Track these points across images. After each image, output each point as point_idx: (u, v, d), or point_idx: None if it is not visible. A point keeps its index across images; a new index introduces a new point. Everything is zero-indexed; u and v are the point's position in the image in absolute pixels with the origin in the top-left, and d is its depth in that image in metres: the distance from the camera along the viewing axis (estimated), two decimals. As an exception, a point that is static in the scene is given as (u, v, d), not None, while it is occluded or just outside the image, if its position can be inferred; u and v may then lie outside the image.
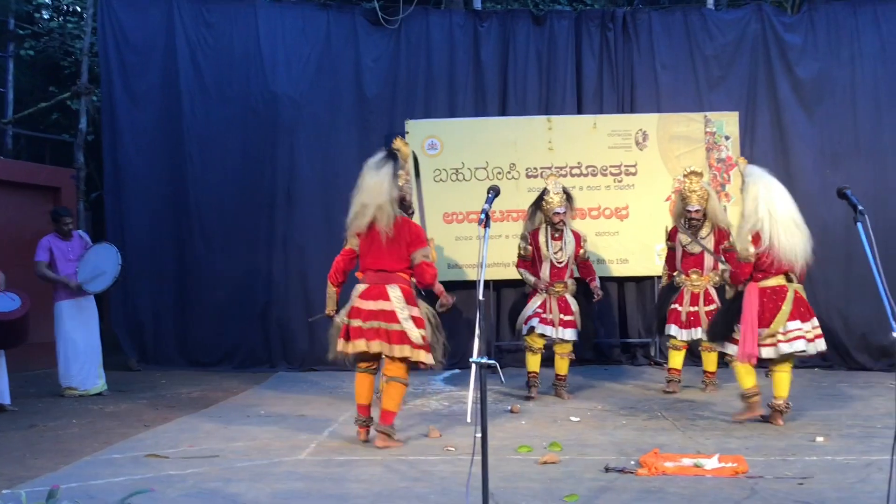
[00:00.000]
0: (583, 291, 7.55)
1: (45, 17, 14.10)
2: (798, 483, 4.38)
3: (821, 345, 6.00)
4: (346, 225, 5.55)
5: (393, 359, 5.39)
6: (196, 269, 9.66)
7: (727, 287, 7.05)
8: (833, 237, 9.07)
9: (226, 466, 4.93)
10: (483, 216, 3.94)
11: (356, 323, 5.36)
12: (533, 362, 7.39)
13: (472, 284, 8.95)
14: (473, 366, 3.54)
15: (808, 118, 9.56)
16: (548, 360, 7.58)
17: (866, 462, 4.80)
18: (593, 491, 4.29)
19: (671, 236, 7.76)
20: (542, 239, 7.41)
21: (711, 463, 4.70)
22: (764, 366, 6.15)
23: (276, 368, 9.45)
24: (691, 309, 7.43)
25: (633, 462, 4.84)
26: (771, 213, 5.77)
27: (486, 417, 3.44)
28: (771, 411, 6.03)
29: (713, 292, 7.44)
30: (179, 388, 8.30)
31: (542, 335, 7.29)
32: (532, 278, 7.44)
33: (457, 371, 8.87)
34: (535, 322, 7.24)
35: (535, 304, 7.35)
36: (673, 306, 7.52)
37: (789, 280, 5.95)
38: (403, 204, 5.58)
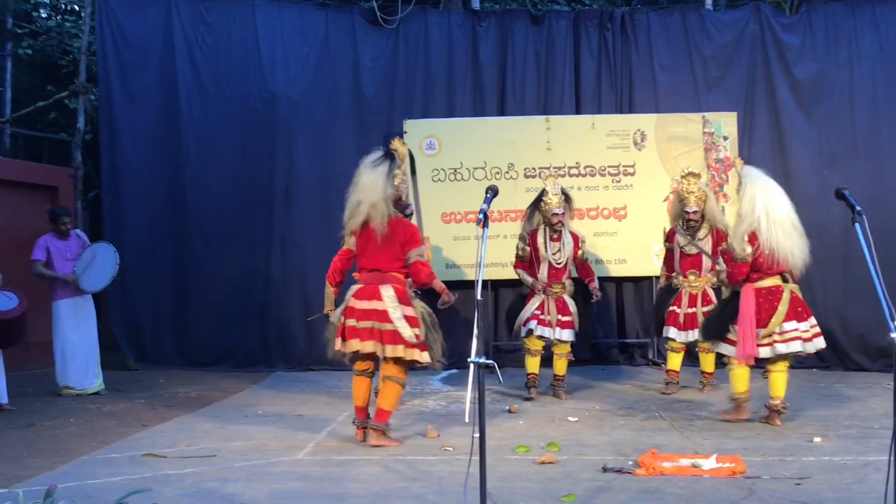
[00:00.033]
0: (581, 292, 7.55)
1: (44, 15, 14.09)
2: (796, 483, 4.39)
3: (820, 343, 6.02)
4: (343, 224, 5.56)
5: (387, 359, 5.39)
6: (194, 269, 9.65)
7: (723, 288, 7.10)
8: (831, 238, 9.09)
9: (223, 466, 4.93)
10: (481, 216, 3.94)
11: (351, 322, 5.37)
12: (532, 364, 7.39)
13: (470, 284, 8.95)
14: (471, 366, 3.54)
15: (807, 119, 9.57)
16: (546, 360, 7.58)
17: (864, 462, 4.81)
18: (591, 491, 4.29)
19: (669, 238, 7.77)
20: (540, 240, 7.41)
21: (709, 463, 4.70)
22: (760, 366, 6.16)
23: (275, 368, 9.45)
24: (689, 310, 7.43)
25: (630, 462, 4.84)
26: (768, 213, 5.78)
27: (484, 417, 3.45)
28: (768, 412, 6.04)
29: (711, 293, 7.45)
30: (177, 387, 8.29)
31: (541, 337, 7.29)
32: (530, 279, 7.44)
33: (455, 371, 8.87)
34: (533, 325, 7.25)
35: (533, 305, 7.35)
36: (671, 308, 7.52)
37: (785, 280, 5.96)
38: (399, 204, 5.57)
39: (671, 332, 7.47)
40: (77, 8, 13.77)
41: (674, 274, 7.64)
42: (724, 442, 5.46)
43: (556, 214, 7.32)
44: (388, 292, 5.33)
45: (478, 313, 3.63)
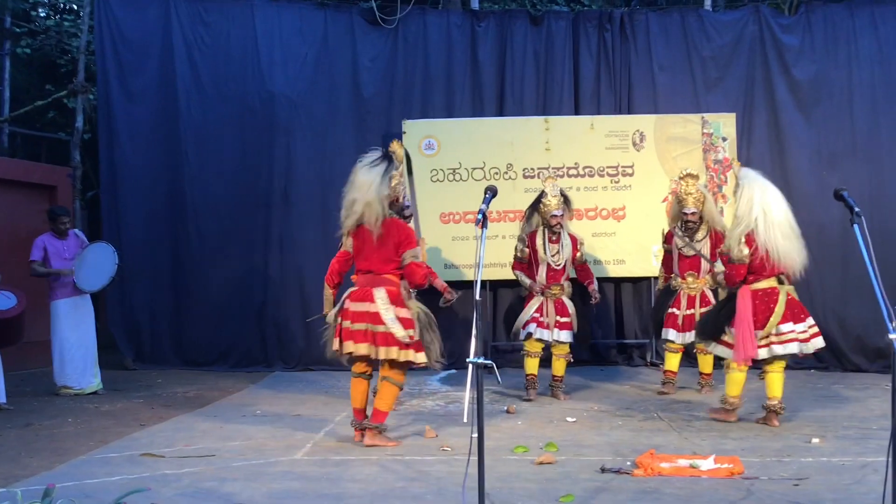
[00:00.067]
0: (579, 293, 7.56)
1: (42, 15, 14.09)
2: (794, 484, 4.39)
3: (818, 343, 6.04)
4: (340, 224, 5.57)
5: (383, 360, 5.40)
6: (192, 269, 9.65)
7: (719, 290, 7.12)
8: (829, 239, 9.10)
9: (221, 466, 4.93)
10: (480, 216, 3.94)
11: (346, 324, 5.39)
12: (531, 365, 7.39)
13: (468, 284, 8.95)
14: (470, 366, 3.54)
15: (805, 119, 9.58)
16: (545, 360, 7.59)
17: (862, 463, 4.81)
18: (589, 491, 4.29)
19: (668, 239, 7.77)
20: (539, 241, 7.42)
21: (707, 464, 4.70)
22: (757, 367, 6.17)
23: (273, 368, 9.45)
24: (688, 312, 7.44)
25: (629, 463, 4.85)
26: (766, 215, 5.79)
27: (482, 418, 3.45)
28: (766, 412, 6.05)
29: (710, 295, 7.45)
30: (175, 387, 8.29)
31: (540, 340, 7.30)
32: (528, 281, 7.45)
33: (453, 371, 8.87)
34: (532, 328, 7.26)
35: (532, 307, 7.36)
36: (670, 310, 7.53)
37: (780, 282, 5.98)
38: (396, 205, 5.56)
39: (670, 333, 7.48)
40: (76, 7, 13.77)
41: (672, 275, 7.64)
42: (723, 443, 5.46)
43: (555, 216, 7.32)
44: (380, 294, 5.33)
45: (476, 314, 3.63)
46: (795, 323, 5.95)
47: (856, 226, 3.63)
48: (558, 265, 7.38)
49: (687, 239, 7.51)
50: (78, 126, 10.60)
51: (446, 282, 6.37)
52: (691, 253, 7.49)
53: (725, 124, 9.43)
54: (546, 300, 7.35)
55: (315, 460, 5.10)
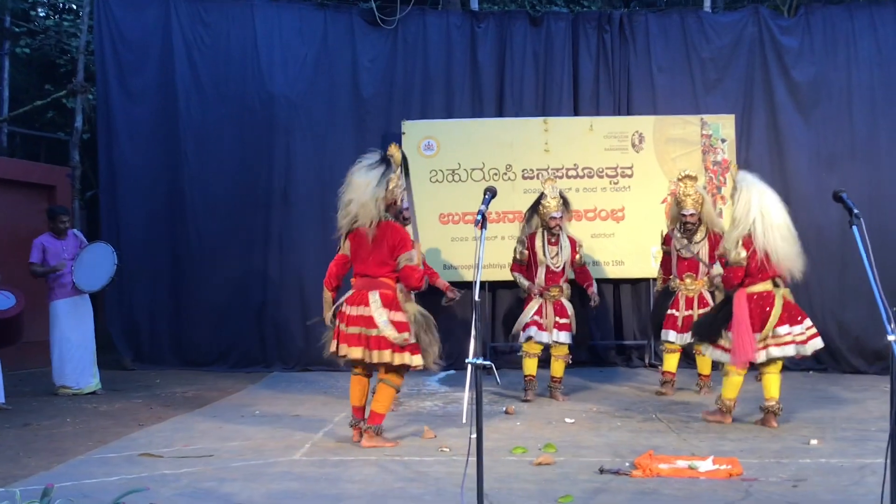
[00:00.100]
0: (578, 295, 7.56)
1: (42, 14, 14.10)
2: (792, 485, 4.40)
3: (817, 343, 6.06)
4: (338, 225, 5.58)
5: (375, 363, 5.41)
6: (192, 269, 9.65)
7: (714, 293, 7.14)
8: (828, 240, 9.12)
9: (220, 466, 4.93)
10: (479, 217, 3.94)
11: (342, 327, 5.41)
12: (530, 366, 7.40)
13: (468, 285, 8.94)
14: (469, 367, 3.54)
15: (804, 121, 9.58)
16: (543, 361, 7.60)
17: (860, 465, 4.82)
18: (588, 492, 4.29)
19: (666, 241, 7.78)
20: (538, 243, 7.42)
21: (706, 465, 4.70)
22: (754, 368, 6.18)
23: (272, 368, 9.45)
24: (686, 313, 7.45)
25: (627, 464, 4.85)
26: (764, 218, 5.82)
27: (481, 418, 3.45)
28: (764, 414, 6.06)
29: (707, 296, 7.46)
30: (174, 387, 8.29)
31: (539, 342, 7.30)
32: (526, 282, 7.45)
33: (452, 372, 8.87)
34: (531, 331, 7.26)
35: (531, 309, 7.36)
36: (669, 311, 7.54)
37: (776, 285, 6.00)
38: (394, 208, 5.56)
39: (670, 335, 7.49)
40: (75, 7, 13.76)
41: (671, 277, 7.65)
42: (721, 444, 5.47)
43: (554, 218, 7.33)
44: (374, 297, 5.35)
45: (476, 314, 3.63)
46: (792, 325, 5.97)
47: (855, 227, 3.64)
48: (557, 267, 7.39)
49: (685, 241, 7.51)
50: (77, 126, 10.60)
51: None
52: (688, 255, 7.51)
53: (724, 126, 9.43)
54: (545, 302, 7.36)
55: (314, 461, 5.10)
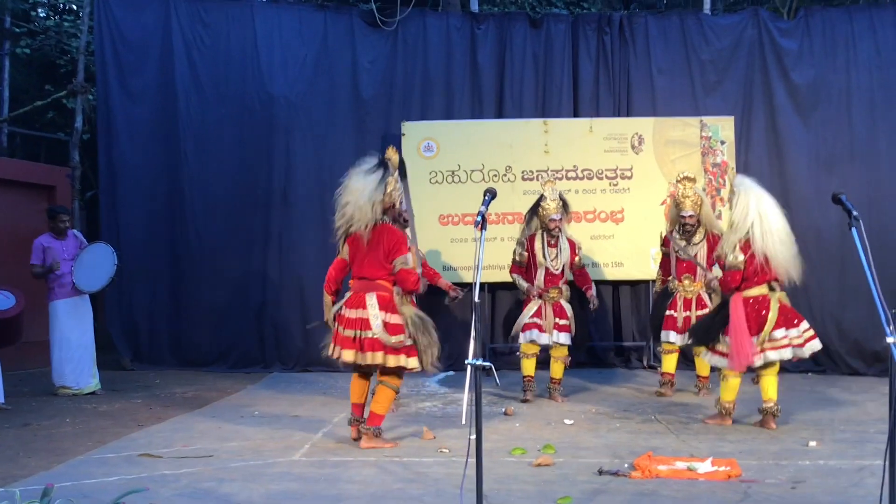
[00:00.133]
0: (577, 297, 7.57)
1: (42, 15, 14.11)
2: (791, 487, 4.40)
3: (815, 346, 6.09)
4: (335, 228, 5.60)
5: (368, 365, 5.42)
6: (191, 269, 9.65)
7: (712, 295, 7.14)
8: (827, 242, 9.14)
9: (220, 466, 4.93)
10: (479, 218, 3.95)
11: (339, 329, 5.44)
12: (528, 367, 7.41)
13: (467, 286, 8.94)
14: (469, 368, 3.55)
15: (804, 123, 9.59)
16: (543, 362, 7.61)
17: (859, 466, 4.82)
18: (587, 493, 4.30)
19: (665, 243, 7.79)
20: (538, 245, 7.43)
21: (705, 466, 4.71)
22: (751, 371, 6.19)
23: (271, 369, 9.45)
24: (685, 314, 7.46)
25: (626, 465, 4.85)
26: (762, 222, 5.85)
27: (480, 419, 3.45)
28: (762, 415, 6.07)
29: (706, 297, 7.47)
30: (173, 387, 8.29)
31: (535, 342, 7.31)
32: (525, 284, 7.46)
33: (451, 373, 8.87)
34: (532, 334, 7.28)
35: (530, 310, 7.37)
36: (668, 312, 7.55)
37: (772, 289, 6.02)
38: (392, 211, 5.57)
39: (671, 335, 7.50)
40: (75, 7, 13.77)
41: (669, 278, 7.66)
42: (720, 445, 5.47)
43: (554, 220, 7.34)
44: (371, 300, 5.37)
45: (475, 315, 3.63)
46: (788, 328, 6.00)
47: (854, 229, 3.64)
48: (556, 269, 7.40)
49: (683, 243, 7.53)
50: (77, 126, 10.61)
51: (445, 283, 6.38)
52: (686, 256, 7.52)
53: (724, 128, 9.44)
54: (544, 303, 7.37)
55: (313, 461, 5.11)
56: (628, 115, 9.78)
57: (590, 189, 9.41)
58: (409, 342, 5.37)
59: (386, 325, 5.31)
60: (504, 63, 9.93)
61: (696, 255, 7.46)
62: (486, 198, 4.19)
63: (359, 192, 5.35)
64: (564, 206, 7.45)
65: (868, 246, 3.52)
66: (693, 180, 7.52)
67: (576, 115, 9.84)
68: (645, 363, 9.62)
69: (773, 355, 5.95)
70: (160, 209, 9.73)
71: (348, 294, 5.50)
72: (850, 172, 9.37)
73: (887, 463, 3.29)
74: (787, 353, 5.98)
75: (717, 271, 7.15)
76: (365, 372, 5.59)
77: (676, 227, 7.61)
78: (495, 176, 9.42)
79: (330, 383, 8.39)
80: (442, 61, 9.91)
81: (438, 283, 7.36)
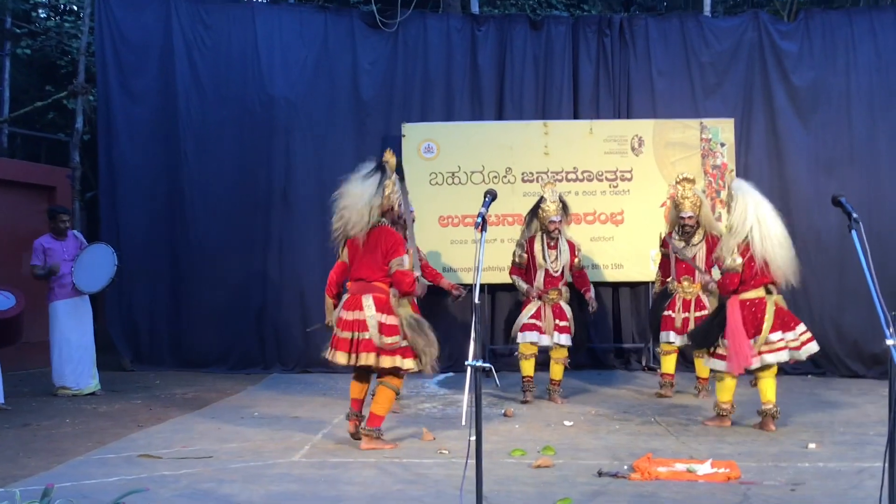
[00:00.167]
0: (576, 298, 7.58)
1: (43, 16, 14.12)
2: (790, 489, 4.40)
3: (812, 348, 6.13)
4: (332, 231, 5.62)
5: (362, 366, 5.44)
6: (191, 270, 9.65)
7: (708, 297, 7.14)
8: (827, 244, 9.16)
9: (219, 467, 4.93)
10: (480, 220, 3.95)
11: (337, 331, 5.46)
12: (527, 367, 7.42)
13: (467, 288, 8.94)
14: (468, 369, 3.55)
15: (804, 126, 9.60)
16: (542, 364, 7.61)
17: (858, 469, 4.83)
18: (586, 495, 4.30)
19: (664, 244, 7.80)
20: (537, 247, 7.44)
21: (704, 468, 4.71)
22: (749, 373, 6.21)
23: (271, 370, 9.45)
24: (683, 315, 7.47)
25: (626, 467, 4.86)
26: (761, 226, 5.89)
27: (480, 421, 3.46)
28: (762, 417, 6.08)
29: (705, 299, 7.47)
30: (173, 388, 8.29)
31: (535, 343, 7.32)
32: (525, 286, 7.47)
33: (451, 374, 8.87)
34: (532, 336, 7.29)
35: (529, 311, 7.38)
36: (666, 313, 7.56)
37: (769, 292, 6.04)
38: (391, 214, 5.59)
39: (670, 336, 7.51)
40: (76, 8, 13.78)
41: (669, 279, 7.67)
42: (719, 447, 5.48)
43: (553, 222, 7.35)
44: (367, 302, 5.39)
45: (475, 317, 3.64)
46: (785, 331, 6.04)
47: (853, 232, 3.65)
48: (556, 271, 7.41)
49: (682, 244, 7.54)
50: (78, 127, 10.61)
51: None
52: (683, 258, 7.53)
53: (724, 130, 9.45)
54: (543, 305, 7.37)
55: (313, 462, 5.11)
56: (628, 117, 9.79)
57: (590, 191, 9.42)
58: (403, 343, 5.39)
59: (381, 326, 5.34)
60: (504, 65, 9.94)
61: (694, 256, 7.47)
62: (487, 199, 4.20)
63: (357, 197, 5.39)
64: (564, 207, 7.46)
65: (868, 248, 3.52)
66: (692, 181, 7.53)
67: (576, 116, 9.85)
68: (644, 363, 9.63)
69: (769, 358, 5.98)
70: (160, 210, 9.73)
71: (346, 296, 5.52)
72: (850, 175, 9.38)
73: (887, 465, 3.29)
74: (783, 356, 6.01)
75: (717, 274, 7.17)
76: (362, 374, 5.61)
77: (676, 229, 7.62)
78: (495, 177, 9.43)
79: (330, 384, 8.39)
80: (442, 63, 9.92)
81: (441, 283, 7.39)
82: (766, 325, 5.96)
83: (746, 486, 4.45)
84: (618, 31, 9.92)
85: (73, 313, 7.82)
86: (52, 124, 12.64)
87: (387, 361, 5.35)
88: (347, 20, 9.96)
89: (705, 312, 7.22)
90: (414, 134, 9.43)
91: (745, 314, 5.99)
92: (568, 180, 9.36)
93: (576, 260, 7.51)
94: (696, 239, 7.53)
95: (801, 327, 6.12)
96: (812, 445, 5.47)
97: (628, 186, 9.42)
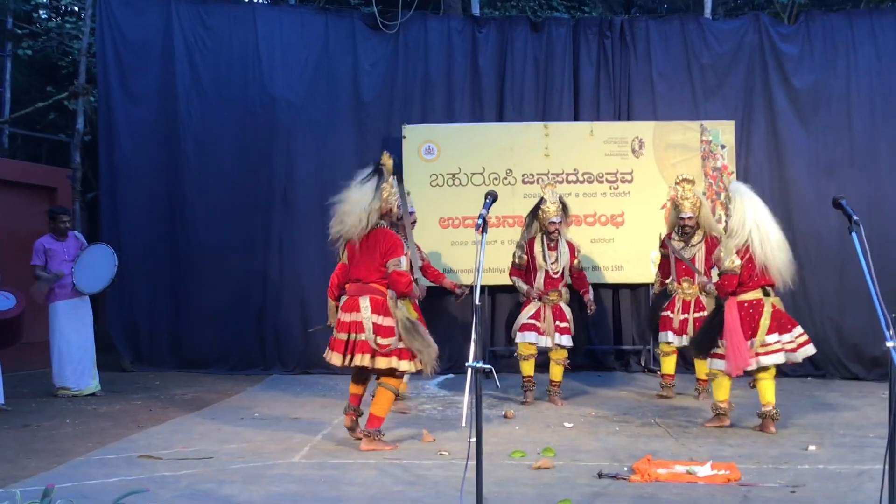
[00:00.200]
0: (577, 300, 7.58)
1: (44, 16, 14.11)
2: (790, 491, 4.40)
3: (808, 351, 6.15)
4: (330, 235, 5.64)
5: (358, 367, 5.46)
6: (191, 271, 9.65)
7: (705, 298, 7.15)
8: (827, 247, 9.16)
9: (219, 468, 4.94)
10: (480, 221, 3.96)
11: (335, 333, 5.49)
12: (527, 367, 7.43)
13: (468, 287, 8.95)
14: (469, 370, 3.56)
15: (804, 128, 9.60)
16: (542, 365, 7.61)
17: (858, 471, 4.83)
18: (586, 497, 4.30)
19: (663, 244, 7.81)
20: (537, 248, 7.45)
21: (704, 470, 4.72)
22: (748, 375, 6.21)
23: (271, 371, 9.45)
24: (682, 317, 7.47)
25: (626, 468, 4.86)
26: (760, 231, 5.92)
27: (480, 422, 3.46)
28: (762, 419, 6.08)
29: (704, 300, 7.48)
30: (173, 389, 8.29)
31: (534, 343, 7.32)
32: (525, 287, 7.48)
33: (451, 376, 8.87)
34: (527, 335, 7.30)
35: (529, 312, 7.39)
36: (665, 313, 7.56)
37: (766, 294, 6.06)
38: (390, 216, 5.62)
39: (668, 336, 7.51)
40: (77, 9, 13.79)
41: (669, 280, 7.68)
42: (719, 449, 5.48)
43: (553, 223, 7.36)
44: (364, 303, 5.41)
45: (476, 318, 3.64)
46: (781, 333, 6.06)
47: (854, 234, 3.66)
48: (556, 272, 7.42)
49: (681, 244, 7.54)
50: (78, 128, 10.61)
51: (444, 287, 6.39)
52: (681, 258, 7.53)
53: (724, 132, 9.45)
54: (543, 306, 7.38)
55: (313, 463, 5.11)
56: (629, 118, 9.80)
57: (590, 192, 9.42)
58: (400, 345, 5.40)
59: (377, 327, 5.36)
60: (505, 66, 9.94)
61: (693, 257, 7.47)
62: (487, 201, 4.20)
63: (355, 202, 5.42)
64: (564, 209, 7.47)
65: (868, 250, 3.53)
66: (692, 182, 7.55)
67: (576, 118, 9.85)
68: (643, 363, 9.63)
69: (765, 360, 6.00)
70: (161, 210, 9.73)
71: (344, 298, 5.54)
72: (851, 177, 9.38)
73: (887, 467, 3.30)
74: (779, 358, 6.03)
75: (704, 278, 7.21)
76: (360, 376, 5.62)
77: (675, 229, 7.62)
78: (496, 179, 9.43)
79: (330, 385, 8.39)
80: (443, 64, 9.93)
81: (443, 283, 7.43)
82: (763, 326, 5.98)
83: (746, 488, 4.45)
84: (618, 32, 9.93)
85: (73, 314, 7.82)
86: (52, 125, 12.64)
87: (382, 363, 5.37)
88: (348, 21, 9.97)
89: (705, 314, 7.23)
90: (414, 135, 9.43)
91: (744, 315, 6.02)
92: (568, 182, 9.36)
93: (575, 261, 7.52)
94: (695, 240, 7.53)
95: (798, 329, 6.14)
96: (812, 448, 5.47)
97: (629, 188, 9.43)
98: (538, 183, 9.15)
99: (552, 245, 7.44)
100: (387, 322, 5.39)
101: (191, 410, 7.07)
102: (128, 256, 9.02)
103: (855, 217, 3.73)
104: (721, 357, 6.14)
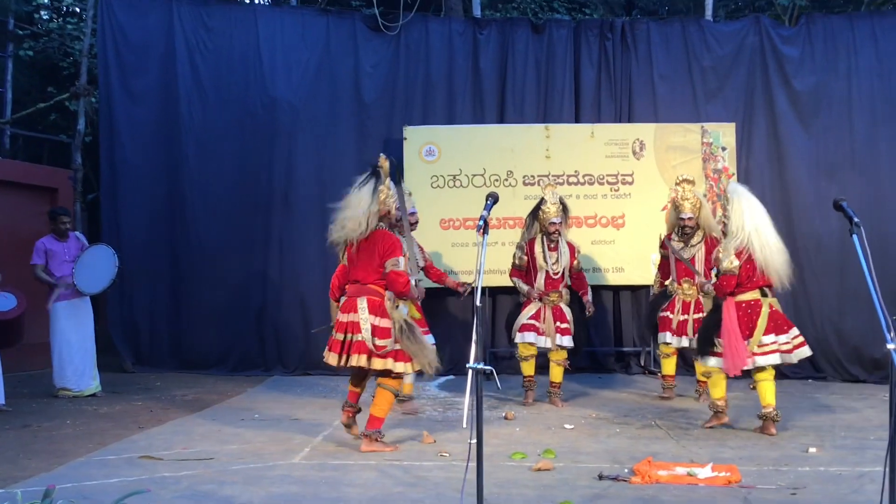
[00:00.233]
0: (576, 301, 7.58)
1: (45, 17, 14.12)
2: (791, 493, 4.40)
3: (803, 352, 6.18)
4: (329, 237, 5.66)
5: (354, 368, 5.47)
6: (192, 272, 9.65)
7: (703, 299, 7.14)
8: (828, 248, 9.16)
9: (220, 469, 4.94)
10: (481, 223, 3.96)
11: (333, 334, 5.51)
12: (527, 368, 7.44)
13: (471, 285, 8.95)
14: (469, 372, 3.56)
15: (805, 130, 9.61)
16: (542, 367, 7.61)
17: (859, 473, 4.83)
18: (587, 498, 4.30)
19: (663, 245, 7.81)
20: (538, 249, 7.45)
21: (704, 472, 4.72)
22: (745, 377, 6.21)
23: (271, 372, 9.45)
24: (682, 317, 7.47)
25: (626, 470, 4.86)
26: (759, 234, 5.95)
27: (481, 423, 3.46)
28: (762, 421, 6.08)
29: (703, 301, 7.48)
30: (174, 390, 8.29)
31: (533, 344, 7.33)
32: (525, 287, 7.48)
33: (451, 377, 8.87)
34: (527, 335, 7.31)
35: (528, 312, 7.40)
36: (664, 313, 7.57)
37: (764, 294, 6.08)
38: (388, 217, 5.64)
39: (667, 336, 7.51)
40: (78, 10, 13.80)
41: (669, 281, 7.68)
42: (720, 451, 5.48)
43: (553, 224, 7.36)
44: (362, 304, 5.43)
45: (477, 319, 3.65)
46: (777, 334, 6.08)
47: (854, 236, 3.66)
48: (556, 273, 7.42)
49: (680, 245, 7.55)
50: (79, 128, 10.62)
51: (445, 288, 6.39)
52: (680, 259, 7.54)
53: (725, 134, 9.46)
54: (544, 306, 7.38)
55: (313, 464, 5.11)
56: (630, 120, 9.80)
57: (591, 194, 9.42)
58: (396, 346, 5.42)
59: (374, 328, 5.37)
60: (506, 68, 9.95)
61: (692, 258, 7.47)
62: (488, 202, 4.21)
63: (355, 206, 5.45)
64: (564, 209, 7.47)
65: (869, 252, 3.53)
66: (692, 183, 7.54)
67: (577, 120, 9.86)
68: (643, 363, 9.63)
69: (761, 360, 6.03)
70: (161, 211, 9.73)
71: (343, 299, 5.56)
72: (851, 179, 9.39)
73: (887, 470, 3.30)
74: (774, 359, 6.04)
75: (703, 279, 7.22)
76: (357, 377, 5.64)
77: (675, 230, 7.63)
78: (497, 180, 9.43)
79: (331, 386, 8.39)
80: (444, 66, 9.93)
81: (446, 282, 7.43)
82: (760, 327, 5.99)
83: (747, 490, 4.46)
84: (619, 34, 9.93)
85: (73, 314, 7.82)
86: (53, 126, 12.64)
87: (378, 364, 5.39)
88: (349, 23, 9.98)
89: (703, 315, 7.23)
90: (415, 137, 9.44)
91: (741, 315, 6.03)
92: (569, 184, 9.37)
93: (575, 262, 7.52)
94: (694, 240, 7.53)
95: (794, 331, 6.17)
96: (812, 450, 5.47)
97: (629, 190, 9.43)
98: (539, 184, 9.15)
99: (552, 246, 7.45)
100: (384, 323, 5.41)
101: (191, 411, 7.07)
102: (128, 257, 9.02)
103: (856, 219, 3.74)
104: (717, 355, 6.15)
